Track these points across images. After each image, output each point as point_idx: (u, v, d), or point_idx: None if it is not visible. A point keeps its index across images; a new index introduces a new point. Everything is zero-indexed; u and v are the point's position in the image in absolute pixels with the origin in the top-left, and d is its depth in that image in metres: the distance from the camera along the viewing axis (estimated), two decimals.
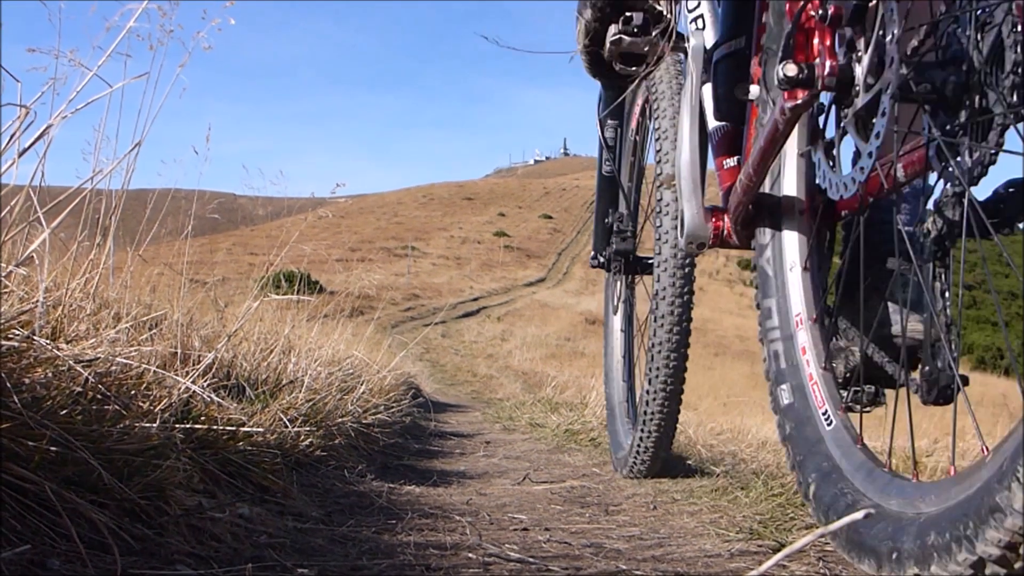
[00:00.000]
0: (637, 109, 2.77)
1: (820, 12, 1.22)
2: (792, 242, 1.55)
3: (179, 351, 1.88)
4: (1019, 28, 0.98)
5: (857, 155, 1.27)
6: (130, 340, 1.68)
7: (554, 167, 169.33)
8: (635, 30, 2.12)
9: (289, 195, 3.50)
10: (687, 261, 2.23)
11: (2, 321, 1.18)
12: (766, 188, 1.62)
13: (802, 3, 1.24)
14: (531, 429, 4.63)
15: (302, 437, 2.12)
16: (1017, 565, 0.91)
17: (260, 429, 1.80)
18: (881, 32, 1.15)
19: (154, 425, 1.35)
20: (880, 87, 1.15)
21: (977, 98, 1.04)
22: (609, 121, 2.89)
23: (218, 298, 2.78)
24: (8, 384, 1.06)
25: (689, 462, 2.77)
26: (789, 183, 1.58)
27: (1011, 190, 1.09)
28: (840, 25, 1.21)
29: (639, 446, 2.40)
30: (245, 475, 1.67)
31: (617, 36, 2.14)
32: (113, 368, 1.38)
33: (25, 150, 1.35)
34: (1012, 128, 1.00)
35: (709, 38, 1.79)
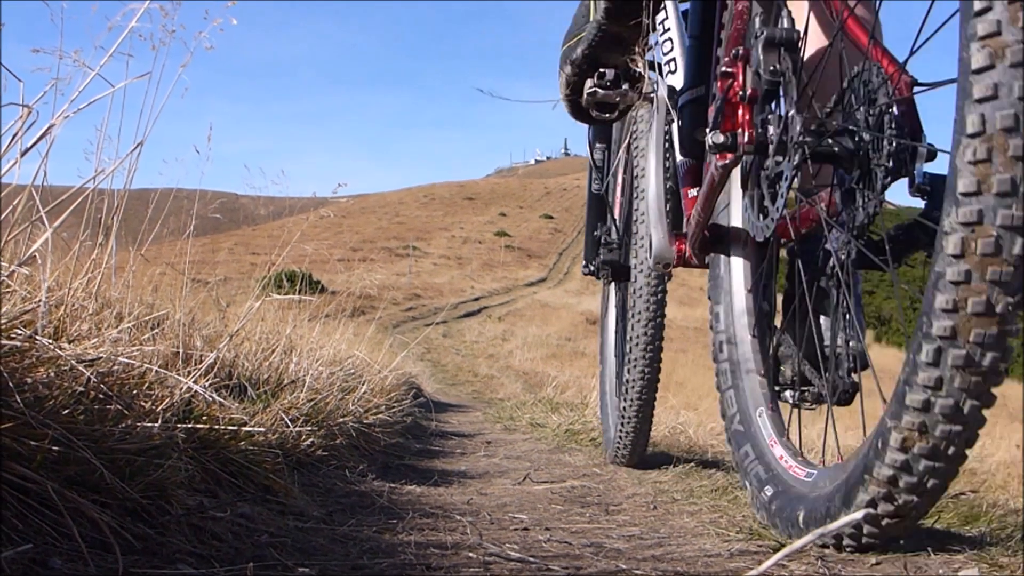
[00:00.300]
0: (625, 143, 2.98)
1: (741, 93, 1.48)
2: (738, 266, 1.82)
3: (181, 351, 1.89)
4: (894, 109, 1.20)
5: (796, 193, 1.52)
6: (132, 340, 1.68)
7: (555, 167, 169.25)
8: (607, 84, 2.38)
9: (291, 195, 3.51)
10: (660, 288, 2.50)
11: (5, 321, 1.18)
12: (718, 219, 1.85)
13: (730, 81, 1.50)
14: (532, 429, 4.63)
15: (303, 437, 2.13)
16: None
17: (261, 429, 1.81)
18: (786, 109, 1.39)
19: (156, 425, 1.35)
20: (784, 150, 1.39)
21: (866, 160, 1.26)
22: (597, 145, 3.22)
23: (220, 298, 2.78)
24: (10, 384, 1.07)
25: (690, 462, 2.77)
26: (736, 216, 1.82)
27: (899, 233, 1.31)
28: (757, 102, 1.47)
29: (620, 433, 2.72)
30: (246, 475, 1.67)
31: (592, 89, 2.39)
32: (115, 368, 1.39)
33: (27, 150, 1.35)
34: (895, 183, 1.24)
35: (680, 81, 1.97)
